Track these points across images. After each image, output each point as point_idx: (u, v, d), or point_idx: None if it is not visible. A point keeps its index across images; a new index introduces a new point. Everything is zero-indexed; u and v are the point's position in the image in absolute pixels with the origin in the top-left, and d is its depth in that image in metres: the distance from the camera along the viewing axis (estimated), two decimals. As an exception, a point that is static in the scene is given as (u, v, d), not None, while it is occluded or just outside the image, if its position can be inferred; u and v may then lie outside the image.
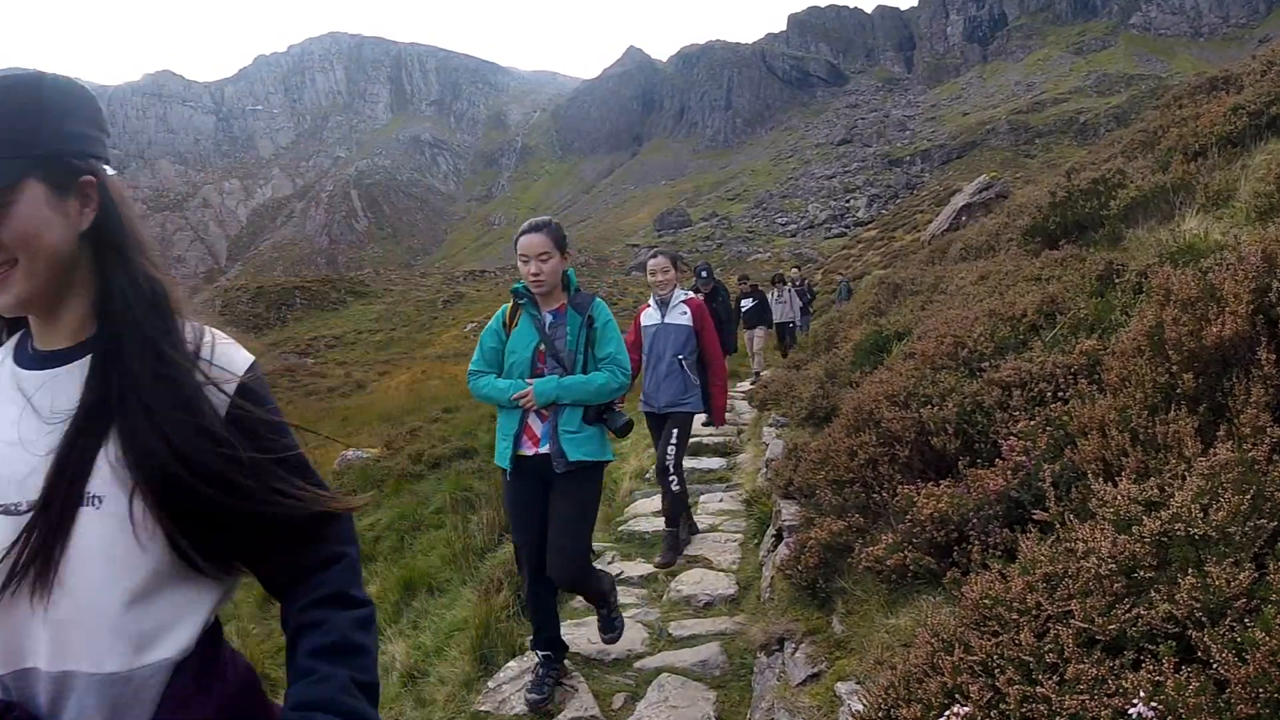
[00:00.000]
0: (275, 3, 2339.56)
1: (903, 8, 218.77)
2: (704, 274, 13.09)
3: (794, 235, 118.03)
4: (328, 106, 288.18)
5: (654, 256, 8.32)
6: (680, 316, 8.05)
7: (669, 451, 7.94)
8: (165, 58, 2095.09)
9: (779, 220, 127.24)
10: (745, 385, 19.63)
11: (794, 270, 30.24)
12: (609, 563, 7.96)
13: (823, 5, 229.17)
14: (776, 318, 23.58)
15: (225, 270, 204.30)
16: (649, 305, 8.34)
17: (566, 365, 5.17)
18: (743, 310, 21.21)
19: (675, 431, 8.00)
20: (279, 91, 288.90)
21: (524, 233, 5.21)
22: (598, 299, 5.37)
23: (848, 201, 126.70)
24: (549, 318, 5.27)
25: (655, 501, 9.82)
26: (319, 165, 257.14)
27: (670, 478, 7.93)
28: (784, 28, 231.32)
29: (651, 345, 8.12)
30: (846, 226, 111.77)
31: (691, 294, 8.41)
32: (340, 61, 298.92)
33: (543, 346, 5.19)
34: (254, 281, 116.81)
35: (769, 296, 23.04)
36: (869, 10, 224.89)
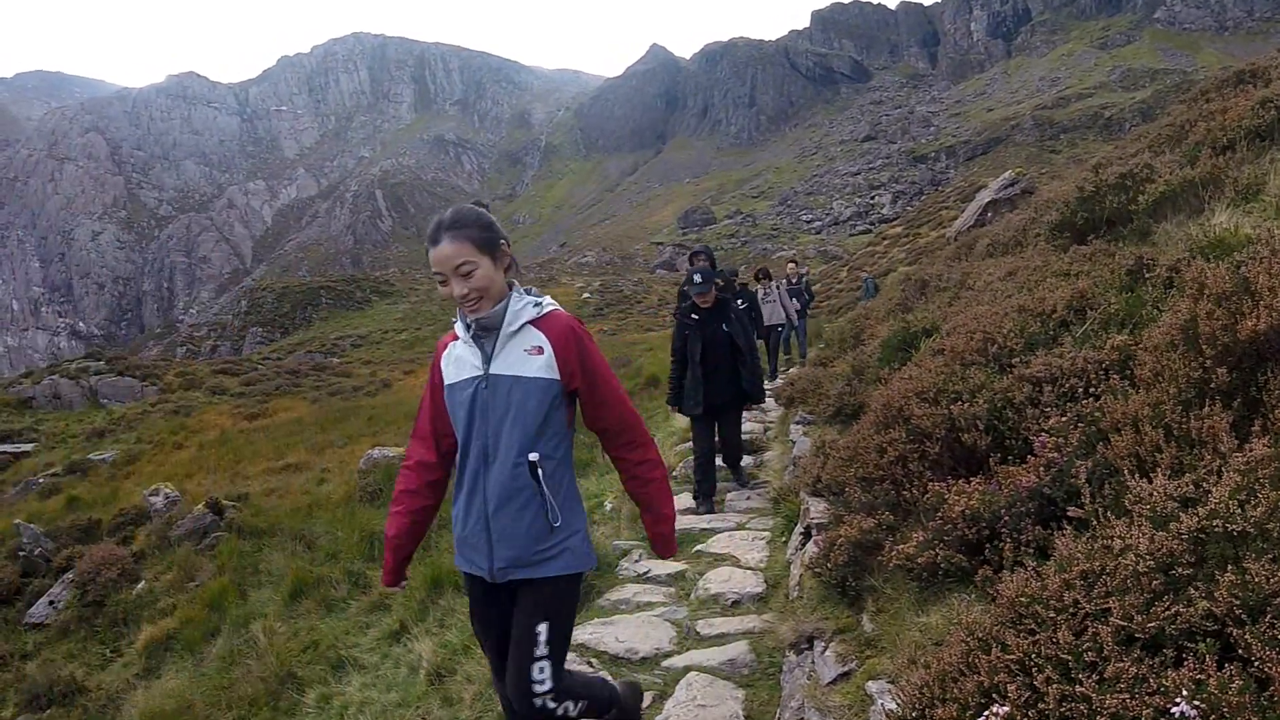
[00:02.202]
0: (298, 4, 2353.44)
1: (926, 3, 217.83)
2: (697, 278, 9.70)
3: (819, 232, 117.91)
4: (352, 107, 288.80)
5: (436, 239, 3.74)
6: (528, 360, 3.74)
7: (538, 672, 3.66)
8: (189, 59, 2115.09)
9: (803, 217, 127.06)
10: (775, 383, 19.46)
11: (790, 265, 24.79)
12: (635, 560, 7.92)
13: (846, 1, 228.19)
14: (765, 319, 19.58)
15: (251, 270, 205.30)
16: (453, 334, 3.99)
17: None
18: None
19: (544, 628, 3.70)
20: (303, 92, 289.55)
21: None
22: None
23: (872, 198, 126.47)
24: None
25: (683, 500, 9.77)
26: (343, 165, 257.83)
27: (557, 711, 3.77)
28: (807, 24, 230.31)
29: (468, 427, 3.80)
30: (871, 223, 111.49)
31: (551, 303, 3.91)
32: (364, 62, 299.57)
33: None
34: (279, 281, 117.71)
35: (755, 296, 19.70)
36: (893, 6, 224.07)
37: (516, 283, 3.90)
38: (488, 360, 3.77)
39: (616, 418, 3.93)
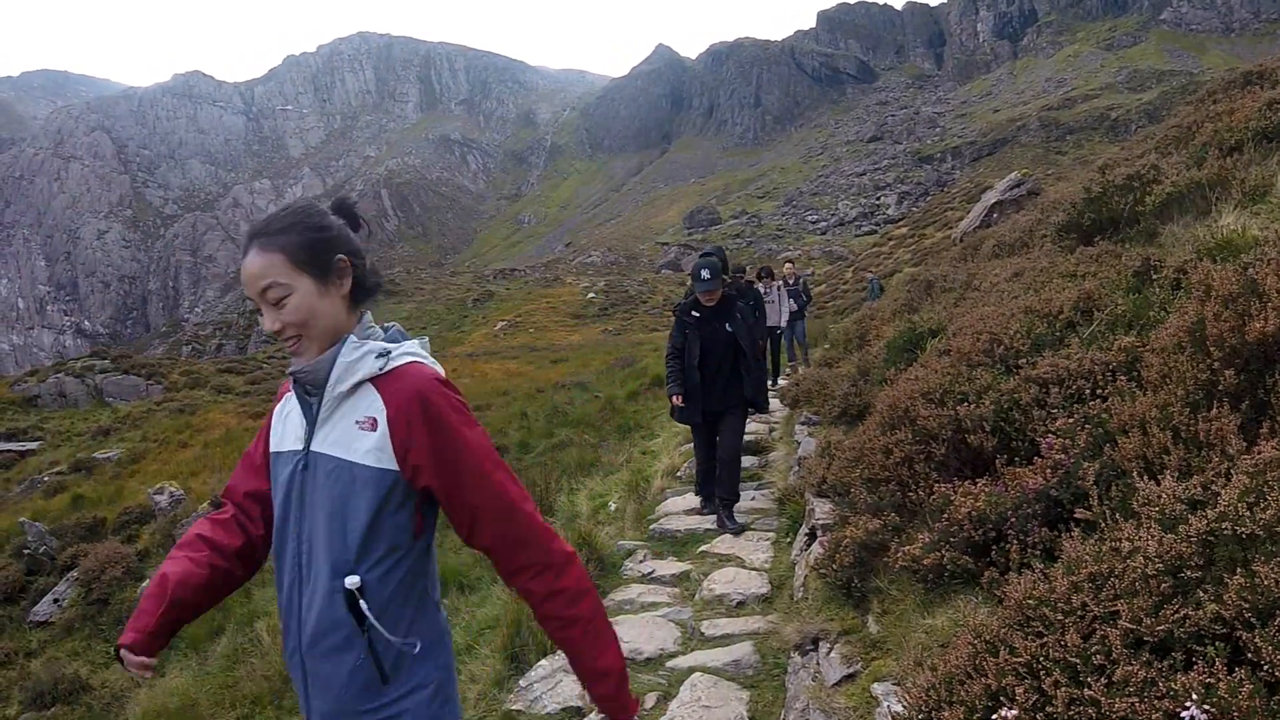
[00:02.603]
0: (304, 3, 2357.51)
1: (932, 4, 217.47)
2: (705, 273, 8.70)
3: (824, 233, 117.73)
4: (357, 106, 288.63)
5: (246, 248, 2.45)
6: (357, 437, 2.42)
7: None
8: (195, 58, 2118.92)
9: (809, 218, 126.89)
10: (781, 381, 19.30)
11: (788, 266, 23.81)
12: (640, 561, 7.92)
13: (852, 2, 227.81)
14: (766, 319, 18.15)
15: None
16: (288, 388, 2.64)
17: None
18: None
19: None
20: (308, 91, 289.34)
21: None
22: None
23: (878, 199, 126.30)
24: None
25: (687, 500, 9.78)
26: (349, 165, 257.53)
27: None
28: (813, 24, 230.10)
29: (283, 522, 2.53)
30: (877, 224, 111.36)
31: (408, 352, 2.53)
32: (369, 61, 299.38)
33: None
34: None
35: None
36: (899, 7, 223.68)
37: (370, 317, 2.65)
38: (312, 429, 2.51)
39: (500, 529, 2.48)
